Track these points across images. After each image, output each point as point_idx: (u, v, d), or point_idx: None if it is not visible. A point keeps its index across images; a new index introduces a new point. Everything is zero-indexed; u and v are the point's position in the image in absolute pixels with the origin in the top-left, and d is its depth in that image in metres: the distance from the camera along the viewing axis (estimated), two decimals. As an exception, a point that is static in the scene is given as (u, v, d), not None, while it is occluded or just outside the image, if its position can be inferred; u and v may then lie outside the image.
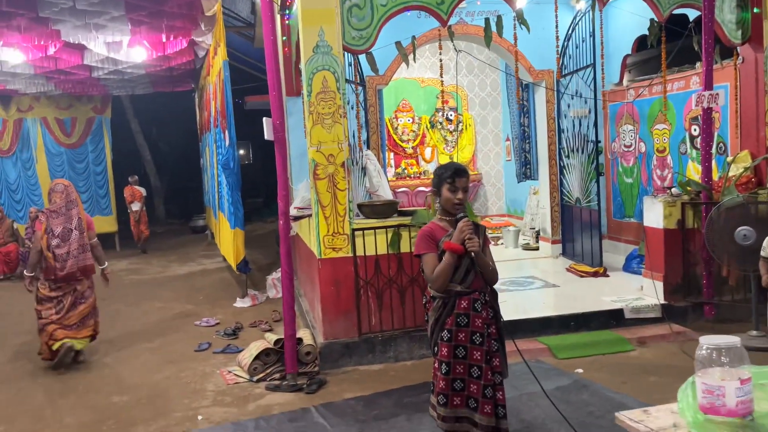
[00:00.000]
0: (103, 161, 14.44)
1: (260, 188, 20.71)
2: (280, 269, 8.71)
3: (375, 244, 5.23)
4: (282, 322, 6.73)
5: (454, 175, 3.14)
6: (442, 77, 6.31)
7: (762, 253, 4.20)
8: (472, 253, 3.05)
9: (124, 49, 9.35)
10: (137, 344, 6.33)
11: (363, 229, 5.23)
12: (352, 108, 7.30)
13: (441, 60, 6.38)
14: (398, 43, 5.63)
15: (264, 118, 4.91)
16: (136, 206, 13.27)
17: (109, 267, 6.16)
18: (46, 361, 5.61)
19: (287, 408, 4.42)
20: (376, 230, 5.25)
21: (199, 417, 4.33)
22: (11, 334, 6.98)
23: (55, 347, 5.47)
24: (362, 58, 6.98)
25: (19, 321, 7.43)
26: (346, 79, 6.98)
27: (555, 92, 8.12)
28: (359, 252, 5.23)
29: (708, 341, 1.77)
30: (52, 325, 5.48)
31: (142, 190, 13.62)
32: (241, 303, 7.97)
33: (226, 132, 8.07)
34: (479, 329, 3.15)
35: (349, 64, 7.07)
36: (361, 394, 4.61)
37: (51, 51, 9.02)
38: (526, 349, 5.25)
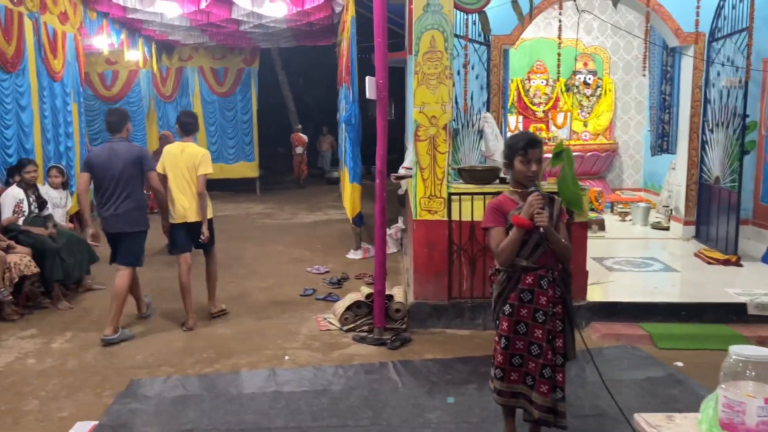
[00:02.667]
0: (249, 110, 15.44)
1: (396, 144, 21.00)
2: (393, 226, 8.95)
3: (471, 210, 5.15)
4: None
5: (527, 146, 3.00)
6: (560, 38, 5.93)
7: None
8: (541, 229, 2.92)
9: (266, 4, 9.82)
10: (252, 282, 6.84)
11: (460, 194, 5.17)
12: (473, 68, 7.14)
13: (560, 20, 5.99)
14: (515, 3, 5.37)
15: (367, 77, 4.97)
16: (299, 150, 16.38)
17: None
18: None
19: (367, 360, 4.59)
20: (474, 196, 5.16)
21: (286, 357, 4.64)
22: (153, 263, 7.84)
23: None
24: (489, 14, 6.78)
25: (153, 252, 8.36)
26: (470, 39, 6.85)
27: (705, 59, 7.31)
28: (455, 216, 5.19)
29: (738, 350, 1.58)
30: None
31: (305, 137, 16.44)
32: (353, 255, 8.27)
33: (351, 88, 8.25)
34: (543, 307, 3.04)
35: (474, 23, 6.88)
36: (440, 356, 4.66)
37: (203, 5, 9.71)
38: (624, 334, 5.00)
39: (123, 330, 5.07)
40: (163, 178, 5.28)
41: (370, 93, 4.82)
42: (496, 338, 3.18)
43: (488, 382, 3.29)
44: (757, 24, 6.66)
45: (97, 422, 3.52)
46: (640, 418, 1.76)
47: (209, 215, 5.43)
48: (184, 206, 5.29)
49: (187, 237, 5.40)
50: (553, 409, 3.04)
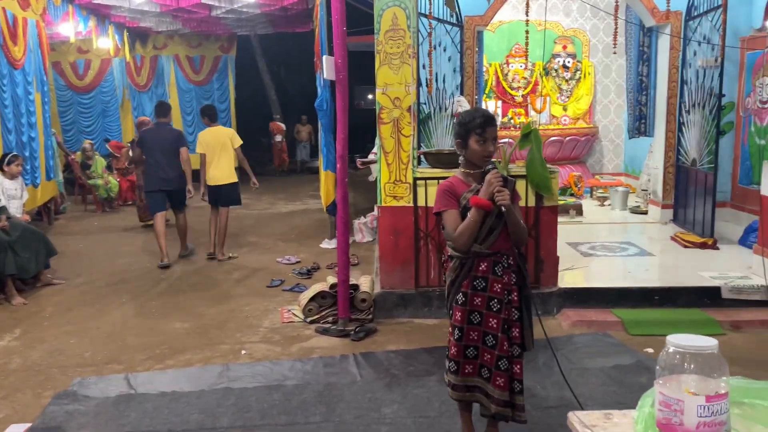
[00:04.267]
0: (227, 99, 15.16)
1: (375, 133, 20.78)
2: (369, 214, 8.75)
3: (437, 195, 4.95)
4: (357, 266, 6.78)
5: (483, 125, 2.80)
6: (527, 15, 5.72)
7: None
8: (502, 208, 2.72)
9: (237, -13, 9.55)
10: (218, 275, 6.64)
11: (426, 179, 4.98)
12: (444, 50, 6.93)
13: (528, 1, 5.78)
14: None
15: (324, 56, 4.74)
16: (278, 138, 16.66)
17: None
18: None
19: (328, 353, 4.41)
20: (440, 180, 4.95)
21: (243, 352, 4.44)
22: (117, 255, 7.62)
23: None
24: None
25: (123, 244, 8.13)
26: (438, 19, 6.63)
27: (681, 38, 7.14)
28: (421, 202, 5.00)
29: (676, 340, 1.40)
30: None
31: (283, 126, 16.75)
32: (326, 244, 8.07)
33: (321, 74, 8.00)
34: (498, 295, 2.86)
35: (444, 3, 6.67)
36: (405, 347, 4.49)
37: (170, -11, 9.44)
38: (595, 320, 4.85)
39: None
40: (203, 156, 7.06)
41: (328, 73, 4.59)
42: (450, 329, 3.00)
43: (444, 376, 3.12)
44: (733, 2, 6.51)
45: (30, 425, 3.32)
46: (574, 417, 1.58)
47: (227, 180, 7.17)
48: (215, 175, 7.07)
49: (218, 196, 7.21)
50: (511, 403, 2.87)
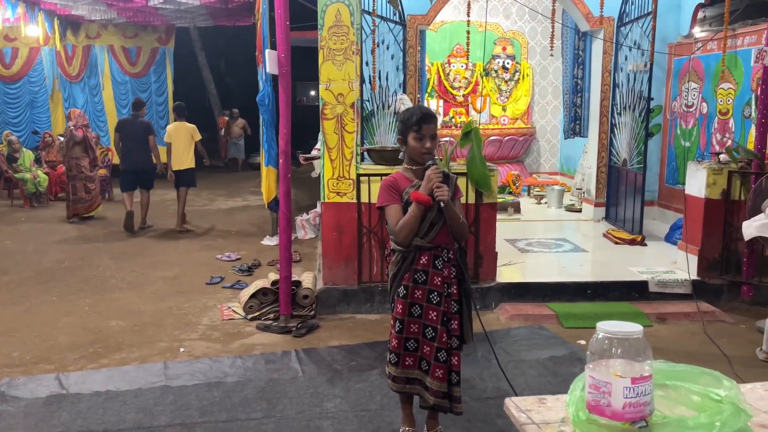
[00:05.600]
0: (165, 92, 14.73)
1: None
2: (312, 211, 8.72)
3: (380, 192, 5.00)
4: (300, 263, 6.75)
5: (420, 121, 2.85)
6: (468, 16, 5.84)
7: None
8: (441, 204, 2.78)
9: (175, -22, 9.30)
10: (157, 272, 6.47)
11: (369, 175, 5.01)
12: (387, 48, 6.98)
13: (469, 1, 5.90)
14: (423, -23, 5.22)
15: (267, 51, 4.70)
16: (222, 132, 17.16)
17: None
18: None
19: (269, 349, 4.38)
20: (383, 177, 4.99)
21: (181, 349, 4.36)
22: (47, 252, 7.31)
23: None
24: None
25: (53, 240, 7.81)
26: (381, 17, 6.67)
27: (614, 43, 7.44)
28: (364, 199, 5.03)
29: (605, 327, 1.48)
30: None
31: (226, 119, 17.05)
32: (268, 241, 7.99)
33: (263, 68, 7.91)
34: (438, 288, 2.91)
35: (387, 1, 6.72)
36: (347, 342, 4.51)
37: (104, -24, 9.10)
38: (532, 314, 5.00)
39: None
40: (169, 145, 8.43)
41: (270, 67, 4.55)
42: (392, 321, 3.04)
43: (385, 368, 3.16)
44: (663, 9, 6.83)
45: (-48, 428, 3.16)
46: (511, 403, 1.64)
47: (187, 166, 8.55)
48: (178, 161, 8.44)
49: (178, 180, 8.56)
50: (449, 394, 2.93)
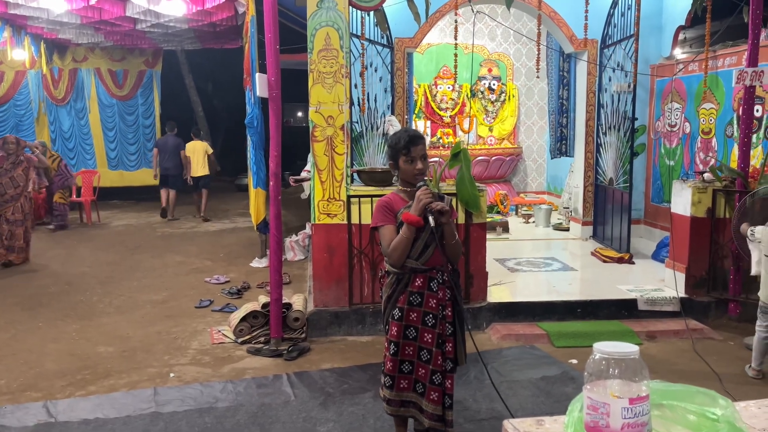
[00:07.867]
0: (152, 115, 14.71)
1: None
2: (301, 232, 8.71)
3: (371, 213, 5.01)
4: (290, 285, 6.72)
5: (408, 144, 2.88)
6: (456, 39, 5.94)
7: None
8: (431, 223, 2.77)
9: (163, 2, 9.34)
10: (144, 296, 6.41)
11: (360, 197, 5.03)
12: (375, 70, 7.04)
13: (456, 21, 6.00)
14: (411, 2, 5.31)
15: (257, 74, 4.73)
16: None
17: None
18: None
19: (261, 373, 4.34)
20: (374, 198, 5.02)
21: (171, 375, 4.31)
22: (32, 278, 7.22)
23: None
24: (391, 16, 6.71)
25: (38, 265, 7.73)
26: (369, 40, 6.75)
27: (598, 64, 7.58)
28: (354, 220, 5.04)
29: (602, 347, 1.49)
30: None
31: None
32: (257, 263, 7.96)
33: (252, 90, 7.95)
34: (433, 310, 2.92)
35: (375, 24, 6.79)
36: (339, 365, 4.48)
37: (93, 1, 9.11)
38: (523, 333, 5.01)
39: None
40: (187, 158, 11.41)
41: (261, 90, 4.58)
42: (386, 344, 3.04)
43: (379, 391, 3.15)
44: (644, 32, 6.97)
45: (-63, 460, 3.09)
46: (509, 425, 1.64)
47: (202, 173, 11.51)
48: (195, 169, 11.38)
49: (198, 183, 11.54)
50: (442, 418, 2.93)
